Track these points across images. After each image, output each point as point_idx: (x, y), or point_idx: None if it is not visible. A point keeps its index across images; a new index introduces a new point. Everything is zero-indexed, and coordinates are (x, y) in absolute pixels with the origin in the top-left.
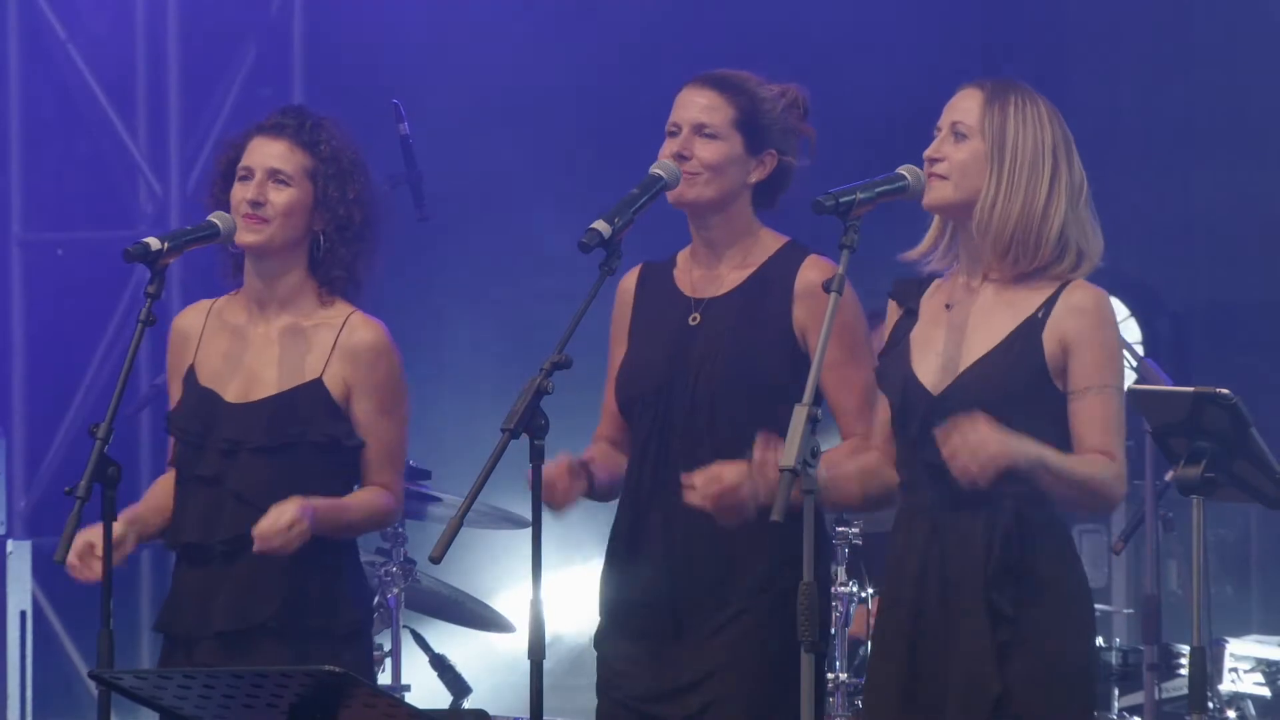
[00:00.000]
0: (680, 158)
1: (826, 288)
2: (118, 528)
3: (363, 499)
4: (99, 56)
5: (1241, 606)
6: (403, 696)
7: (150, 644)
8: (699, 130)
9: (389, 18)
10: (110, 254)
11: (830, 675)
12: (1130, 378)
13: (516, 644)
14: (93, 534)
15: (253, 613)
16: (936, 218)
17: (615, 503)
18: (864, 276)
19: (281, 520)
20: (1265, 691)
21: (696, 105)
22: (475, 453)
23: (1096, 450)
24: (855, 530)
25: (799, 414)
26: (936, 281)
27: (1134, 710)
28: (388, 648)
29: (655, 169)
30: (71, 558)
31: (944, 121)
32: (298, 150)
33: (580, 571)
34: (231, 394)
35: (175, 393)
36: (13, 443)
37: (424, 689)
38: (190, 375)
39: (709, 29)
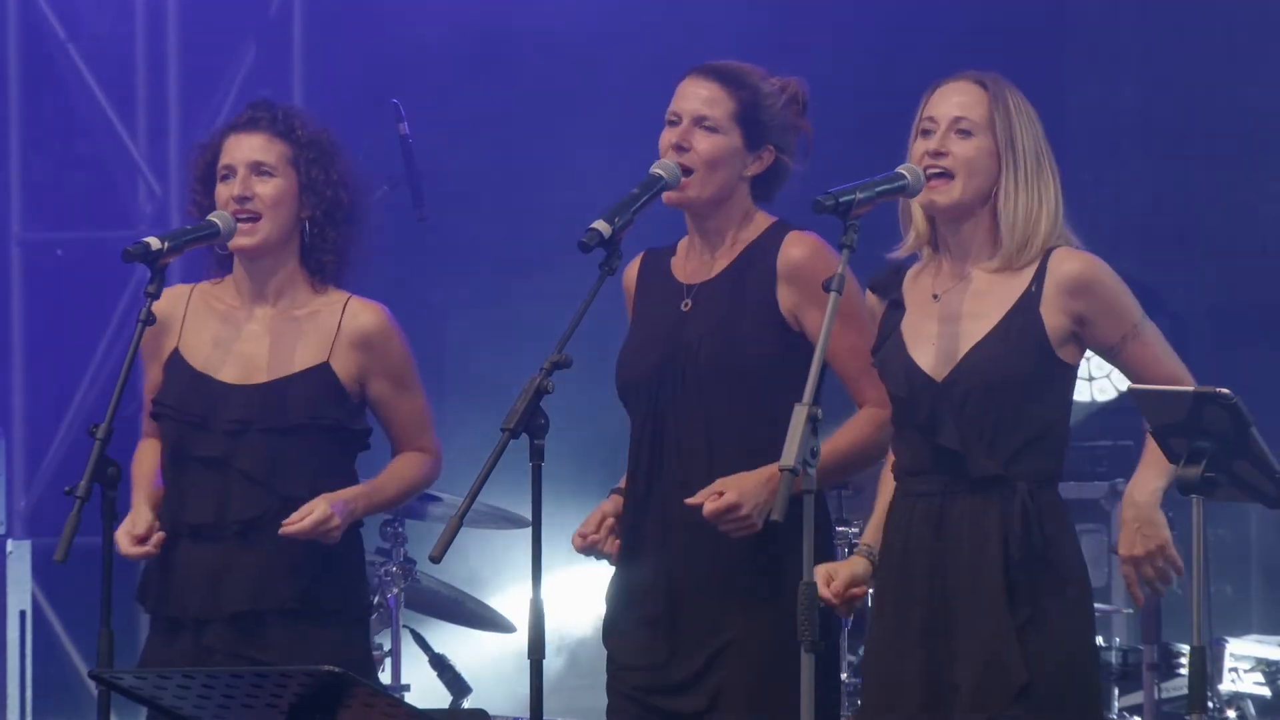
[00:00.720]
0: (679, 149)
1: (826, 287)
2: (148, 515)
3: (399, 471)
4: (99, 56)
5: (1241, 606)
6: (402, 696)
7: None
8: (699, 122)
9: (388, 18)
10: (110, 254)
11: None
12: None
13: (516, 644)
14: (135, 527)
15: (268, 595)
16: (919, 213)
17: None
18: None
19: (311, 517)
20: (1265, 691)
21: (698, 97)
22: (475, 452)
23: (1167, 381)
24: (855, 530)
25: (799, 413)
26: (913, 269)
27: (1134, 710)
28: (388, 647)
29: (655, 168)
30: (135, 552)
31: (940, 115)
32: (276, 140)
33: (581, 571)
34: (231, 377)
35: (155, 375)
36: (12, 442)
37: (424, 689)
38: (176, 359)
39: (709, 28)
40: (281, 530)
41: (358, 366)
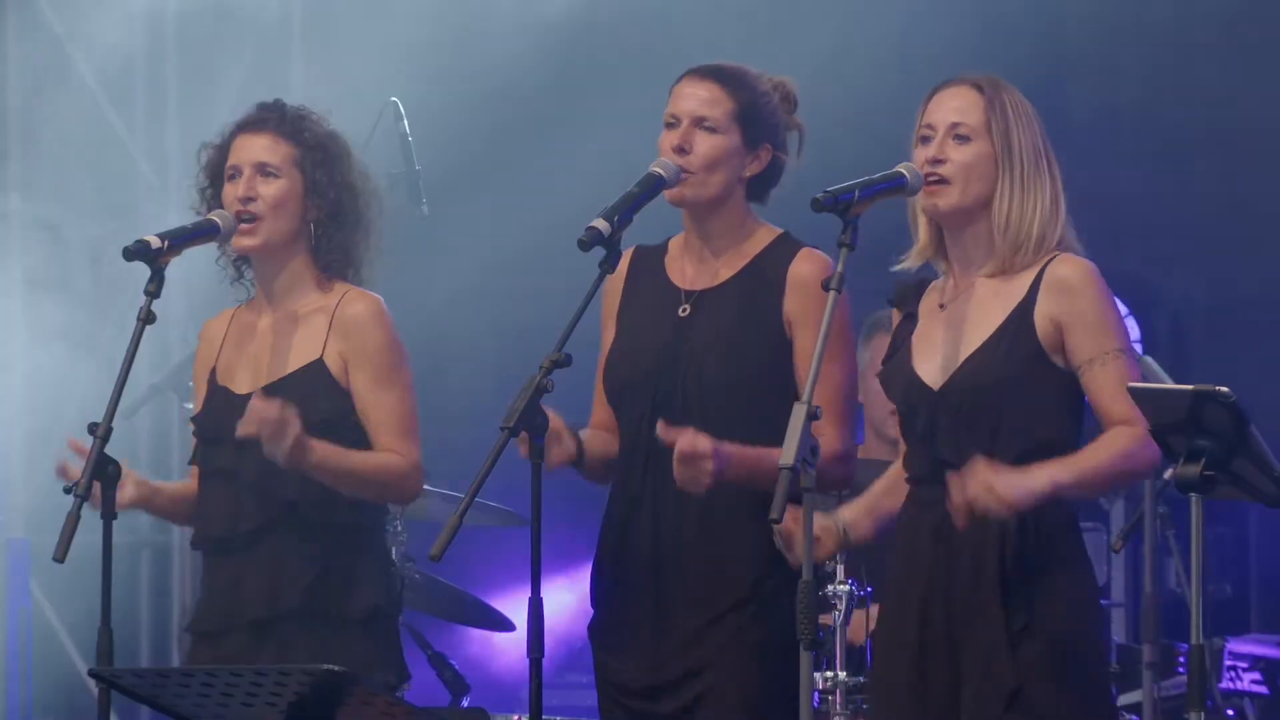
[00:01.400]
0: (680, 150)
1: (825, 286)
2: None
3: (369, 456)
4: (97, 54)
5: (1240, 605)
6: (401, 694)
7: (149, 642)
8: (699, 123)
9: (387, 16)
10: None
11: (829, 674)
12: None
13: (516, 642)
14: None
15: (281, 599)
16: (924, 223)
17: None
18: (868, 276)
19: (270, 407)
20: (1264, 689)
21: (696, 98)
22: (475, 450)
23: (1116, 421)
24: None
25: (798, 412)
26: (934, 283)
27: (1133, 708)
28: None
29: (654, 167)
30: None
31: (937, 121)
32: (282, 141)
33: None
34: (242, 387)
35: (200, 396)
36: (12, 440)
37: (423, 687)
38: (213, 378)
39: (709, 27)
40: (244, 420)
41: (341, 355)
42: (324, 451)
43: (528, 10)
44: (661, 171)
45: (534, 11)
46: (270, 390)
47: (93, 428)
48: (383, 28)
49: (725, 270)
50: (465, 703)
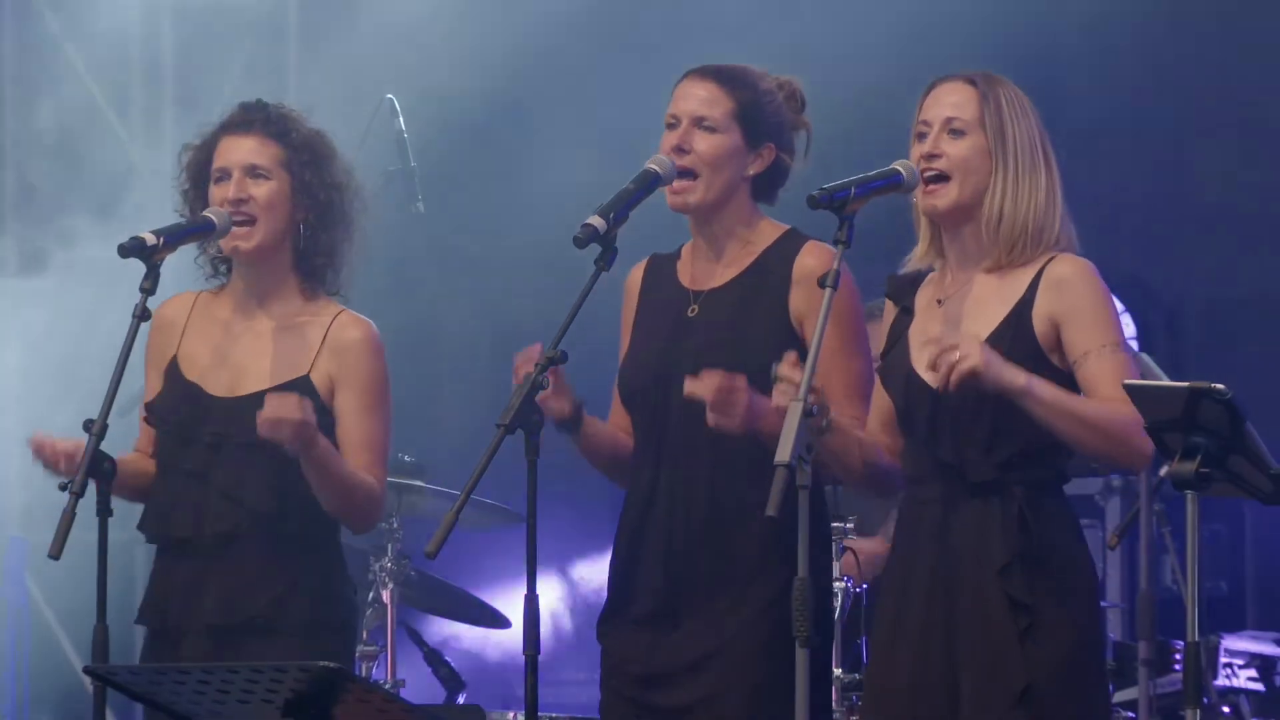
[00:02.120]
0: (680, 151)
1: (822, 283)
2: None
3: (354, 469)
4: (95, 53)
5: (1236, 602)
6: (397, 691)
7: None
8: (698, 123)
9: (384, 14)
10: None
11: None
12: None
13: (511, 639)
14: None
15: (243, 607)
16: (925, 222)
17: (610, 505)
18: (860, 268)
19: (289, 405)
20: (1259, 687)
21: (696, 98)
22: (470, 448)
23: (1107, 400)
24: (850, 525)
25: (794, 409)
26: (930, 276)
27: (1129, 705)
28: (382, 643)
29: (650, 164)
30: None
31: (932, 117)
32: (269, 142)
33: (575, 567)
34: (217, 388)
35: (155, 383)
36: (7, 438)
37: (419, 684)
38: (173, 367)
39: (708, 26)
40: (261, 416)
41: (331, 377)
42: (326, 447)
43: (525, 7)
44: (657, 168)
45: (531, 8)
46: (255, 401)
47: (88, 425)
48: (378, 24)
49: (732, 269)
50: (461, 699)
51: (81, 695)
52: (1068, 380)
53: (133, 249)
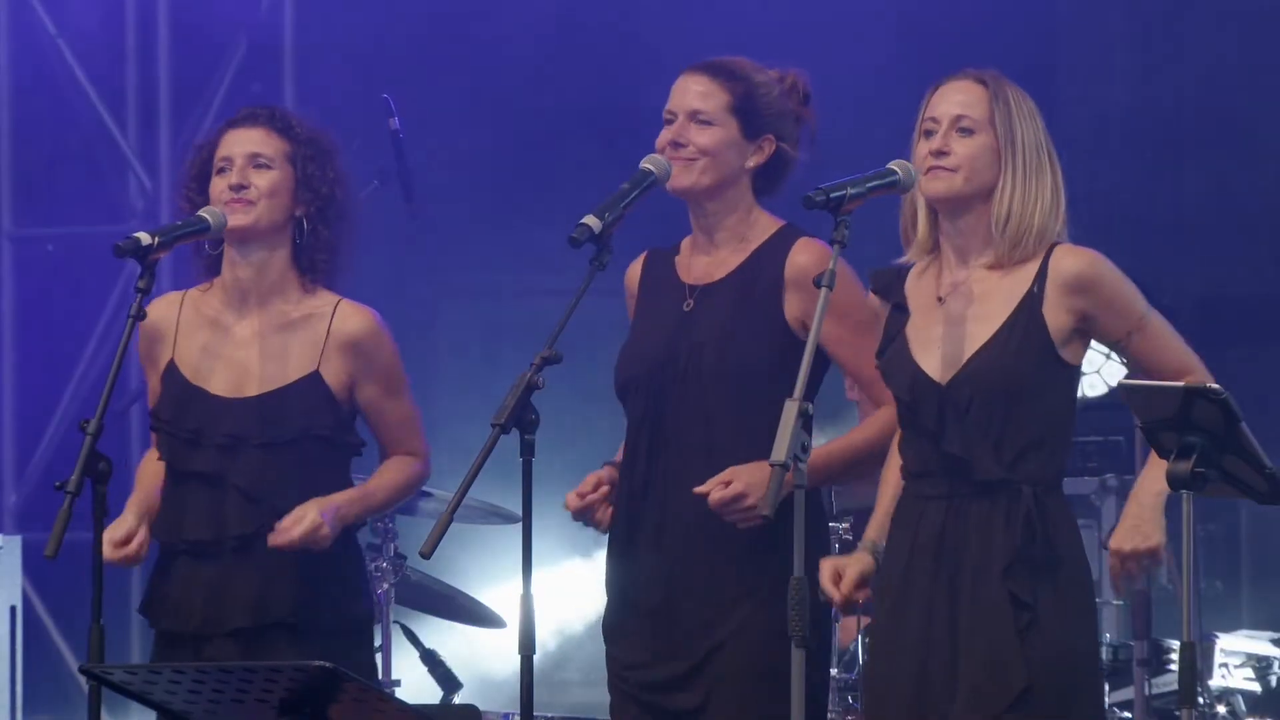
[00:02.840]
0: (676, 145)
1: (818, 283)
2: (132, 521)
3: (389, 475)
4: (89, 52)
5: (1231, 602)
6: (393, 692)
7: (141, 639)
8: (694, 117)
9: (379, 13)
10: (101, 249)
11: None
12: (1120, 372)
13: (507, 639)
14: (115, 531)
15: (269, 609)
16: (923, 214)
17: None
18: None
19: (300, 526)
20: (1255, 686)
21: (692, 92)
22: (466, 448)
23: (1181, 371)
24: (845, 526)
25: (789, 409)
26: (914, 270)
27: (1124, 705)
28: (378, 643)
29: (645, 163)
30: (110, 554)
31: (941, 114)
32: (274, 135)
33: (571, 567)
34: (222, 389)
35: (154, 385)
36: (3, 438)
37: (414, 684)
38: (171, 370)
39: (705, 24)
40: (271, 541)
41: (347, 373)
42: (356, 510)
43: (521, 5)
44: (653, 168)
45: (527, 6)
46: (269, 400)
47: (84, 425)
48: (374, 24)
49: (728, 264)
50: (456, 699)
51: (77, 695)
52: (1072, 374)
53: (128, 249)
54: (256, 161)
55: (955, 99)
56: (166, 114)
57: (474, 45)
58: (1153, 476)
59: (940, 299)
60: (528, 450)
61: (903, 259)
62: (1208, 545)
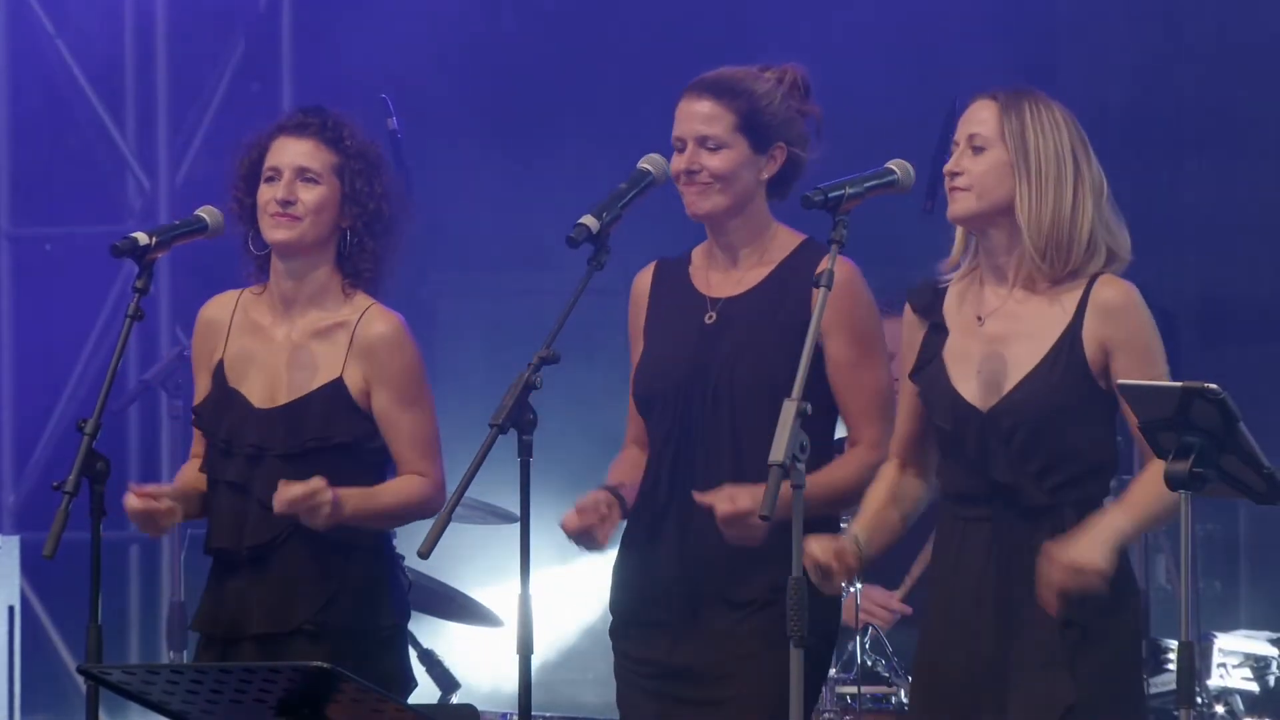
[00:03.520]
0: (689, 173)
1: (816, 282)
2: (165, 489)
3: (396, 486)
4: (87, 51)
5: (1229, 601)
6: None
7: (139, 639)
8: (703, 143)
9: (377, 12)
10: (98, 249)
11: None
12: None
13: (505, 639)
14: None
15: (289, 616)
16: (960, 232)
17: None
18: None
19: (303, 486)
20: (1253, 686)
21: (697, 116)
22: (463, 448)
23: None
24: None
25: (787, 408)
26: (953, 289)
27: None
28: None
29: (643, 163)
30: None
31: (960, 135)
32: (324, 148)
33: (569, 567)
34: (258, 398)
35: (203, 385)
36: (1, 437)
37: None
38: (219, 371)
39: (702, 24)
40: (276, 502)
41: (363, 377)
42: (355, 504)
43: (521, 4)
44: (650, 168)
45: (527, 4)
46: (292, 409)
47: (81, 425)
48: (372, 23)
49: (750, 277)
50: (454, 700)
51: (75, 695)
52: (1113, 402)
53: (126, 249)
54: (305, 175)
55: (971, 118)
56: (164, 114)
57: (473, 44)
58: (1116, 516)
59: (980, 319)
60: (525, 450)
61: (939, 277)
62: (1206, 545)
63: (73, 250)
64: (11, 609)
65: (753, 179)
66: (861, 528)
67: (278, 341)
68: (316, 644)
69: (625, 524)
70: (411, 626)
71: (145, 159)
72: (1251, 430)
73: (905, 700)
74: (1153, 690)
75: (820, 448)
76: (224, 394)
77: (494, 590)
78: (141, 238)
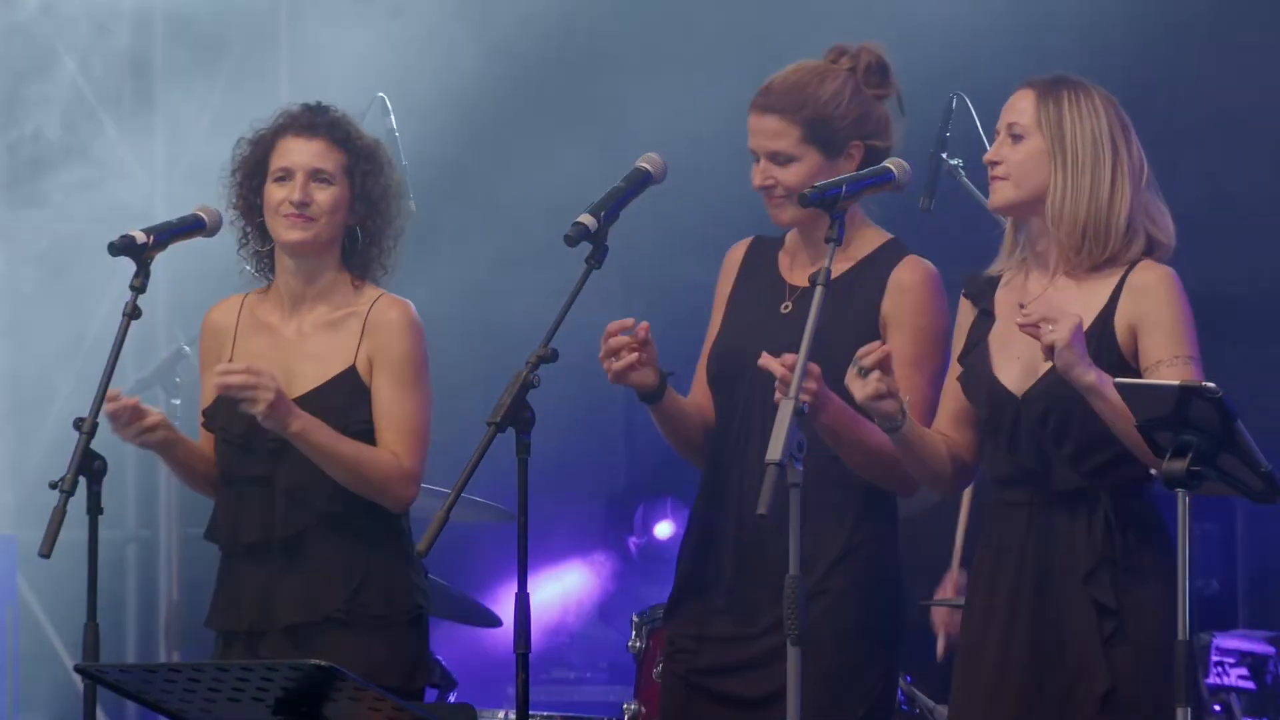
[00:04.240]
0: (765, 188)
1: (813, 281)
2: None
3: (365, 448)
4: (84, 48)
5: (1227, 601)
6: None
7: (136, 638)
8: (774, 158)
9: (373, 12)
10: (95, 247)
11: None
12: None
13: (502, 638)
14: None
15: (319, 605)
16: (1009, 223)
17: (601, 504)
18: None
19: (249, 375)
20: (1250, 685)
21: (765, 133)
22: (461, 446)
23: None
24: None
25: (785, 407)
26: (1005, 277)
27: None
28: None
29: (641, 162)
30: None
31: (1000, 125)
32: (334, 148)
33: (567, 566)
34: None
35: (209, 386)
36: None
37: None
38: None
39: (699, 24)
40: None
41: (369, 359)
42: (308, 422)
43: (517, 5)
44: (649, 167)
45: (524, 6)
46: (310, 399)
47: (78, 423)
48: (369, 22)
49: (832, 270)
50: (452, 698)
51: (72, 694)
52: None
53: (123, 247)
54: (318, 176)
55: (1012, 107)
56: (162, 112)
57: (469, 44)
58: (1114, 392)
59: (1022, 306)
60: (523, 449)
61: (994, 268)
62: (1204, 544)
63: (70, 248)
64: (9, 608)
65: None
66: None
67: (288, 337)
68: (347, 631)
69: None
70: None
71: (142, 157)
72: (1249, 428)
73: (904, 698)
74: None
75: None
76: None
77: (491, 588)
78: (139, 236)
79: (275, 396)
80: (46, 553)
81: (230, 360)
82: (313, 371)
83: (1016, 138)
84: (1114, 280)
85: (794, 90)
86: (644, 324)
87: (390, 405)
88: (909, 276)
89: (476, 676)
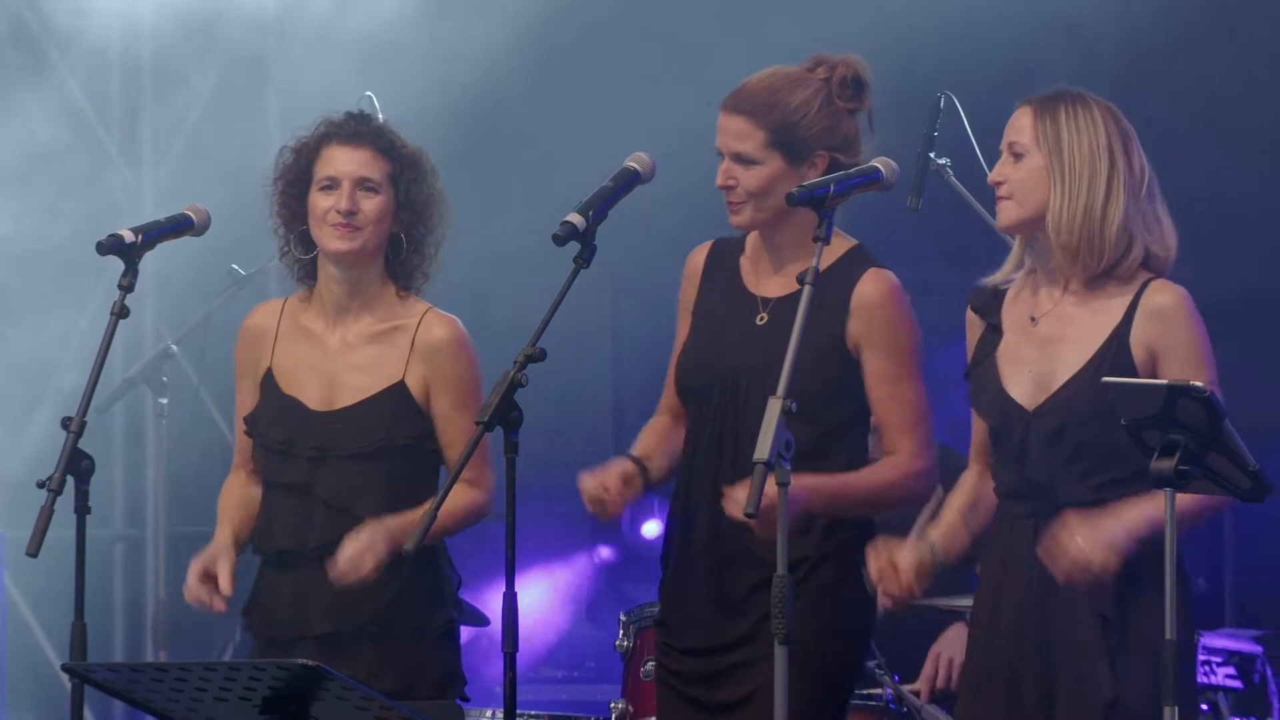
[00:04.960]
0: (726, 188)
1: (801, 280)
2: (226, 568)
3: (451, 503)
4: (74, 47)
5: (1215, 600)
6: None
7: (123, 637)
8: (738, 159)
9: (364, 8)
10: (84, 245)
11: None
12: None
13: (490, 637)
14: (205, 563)
15: (350, 616)
16: (1018, 239)
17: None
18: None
19: (360, 563)
20: (1238, 684)
21: (732, 133)
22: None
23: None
24: None
25: (773, 406)
26: (1012, 290)
27: None
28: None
29: (629, 162)
30: (197, 594)
31: (1002, 144)
32: (380, 157)
33: (554, 567)
34: (314, 402)
35: (249, 394)
36: None
37: None
38: (269, 379)
39: (691, 27)
40: (331, 577)
41: (424, 379)
42: (409, 525)
43: (506, 5)
44: (637, 166)
45: (515, 6)
46: (355, 411)
47: (66, 422)
48: (358, 20)
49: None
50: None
51: (59, 693)
52: None
53: (111, 246)
54: (365, 185)
55: (1012, 126)
56: (150, 110)
57: (460, 42)
58: (1129, 514)
59: (1033, 320)
60: (511, 448)
61: (996, 278)
62: (1191, 542)
63: (58, 247)
64: None
65: (790, 190)
66: (940, 532)
67: (331, 346)
68: (379, 642)
69: (667, 512)
70: None
71: (131, 156)
72: (1237, 428)
73: (891, 698)
74: None
75: (857, 453)
76: (278, 400)
77: (479, 588)
78: (127, 235)
79: (383, 549)
80: (34, 552)
81: (271, 364)
82: (360, 383)
83: (1017, 156)
84: (1127, 298)
85: (764, 94)
86: (613, 479)
87: (457, 428)
88: (874, 293)
89: (464, 675)
